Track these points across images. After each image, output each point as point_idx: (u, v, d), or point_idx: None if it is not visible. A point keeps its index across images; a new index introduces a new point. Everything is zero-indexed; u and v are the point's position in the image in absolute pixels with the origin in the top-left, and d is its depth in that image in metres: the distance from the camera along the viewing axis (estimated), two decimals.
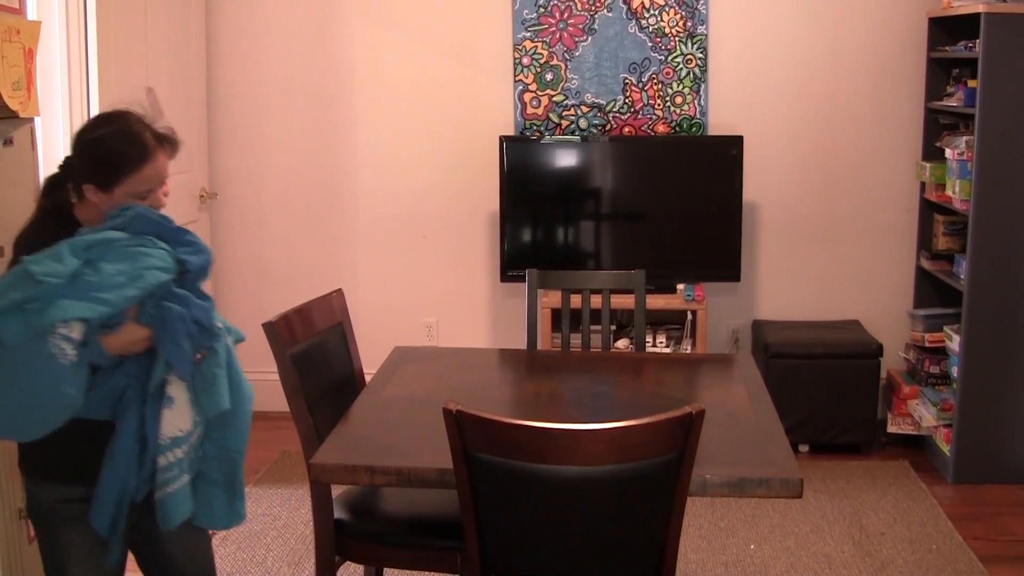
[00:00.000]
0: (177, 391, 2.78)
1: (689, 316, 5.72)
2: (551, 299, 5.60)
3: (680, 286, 5.76)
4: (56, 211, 2.84)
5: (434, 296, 6.28)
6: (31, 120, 3.78)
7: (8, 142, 3.63)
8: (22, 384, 2.59)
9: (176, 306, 2.77)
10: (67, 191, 2.84)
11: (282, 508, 5.05)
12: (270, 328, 3.39)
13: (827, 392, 5.59)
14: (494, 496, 2.67)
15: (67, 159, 2.87)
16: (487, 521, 2.71)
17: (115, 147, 2.78)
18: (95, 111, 4.95)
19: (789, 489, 2.79)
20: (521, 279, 4.53)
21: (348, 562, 3.46)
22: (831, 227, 6.07)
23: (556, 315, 5.58)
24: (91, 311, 2.61)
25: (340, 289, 3.90)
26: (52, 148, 4.88)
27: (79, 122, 4.93)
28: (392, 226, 6.26)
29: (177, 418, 2.78)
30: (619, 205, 5.94)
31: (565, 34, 5.98)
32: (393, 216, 6.24)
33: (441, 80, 6.12)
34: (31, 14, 4.11)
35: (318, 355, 3.60)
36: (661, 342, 5.75)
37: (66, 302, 2.58)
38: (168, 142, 2.94)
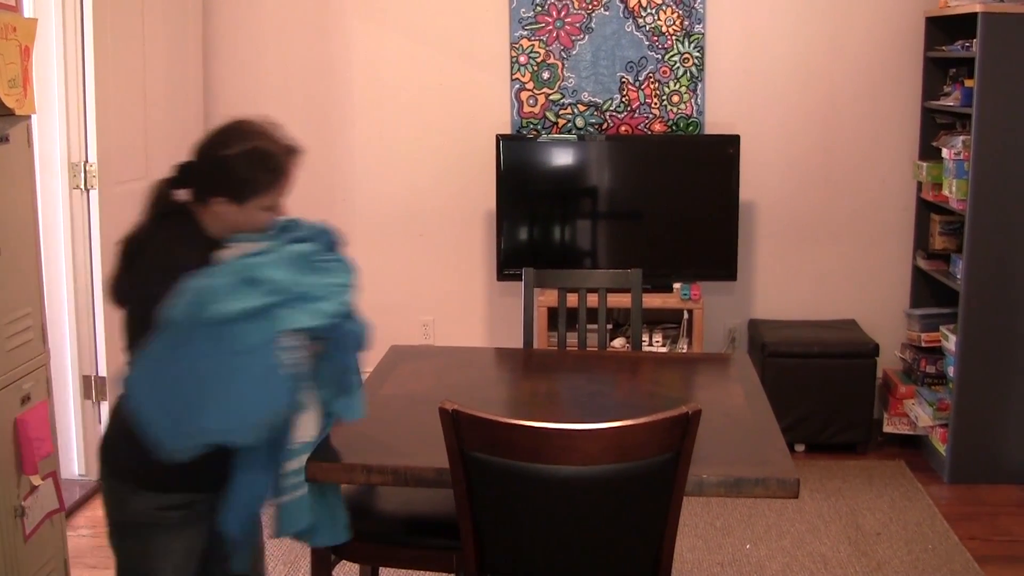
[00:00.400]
0: (311, 398, 2.84)
1: (685, 315, 5.72)
2: (547, 298, 5.60)
3: (676, 285, 5.76)
4: (175, 216, 2.88)
5: (430, 294, 6.28)
6: (27, 118, 3.77)
7: (4, 140, 3.62)
8: (244, 391, 2.64)
9: (352, 322, 2.92)
10: (175, 195, 2.90)
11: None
12: None
13: (823, 392, 5.59)
14: (490, 495, 2.67)
15: (191, 167, 2.88)
16: (483, 520, 2.70)
17: (253, 166, 2.82)
18: (91, 108, 4.96)
19: (786, 489, 2.78)
20: (518, 278, 4.52)
21: (344, 561, 3.44)
22: (828, 226, 6.07)
23: (552, 314, 5.59)
24: (313, 322, 2.70)
25: None
26: (48, 145, 4.90)
27: (75, 120, 4.96)
28: (388, 224, 6.25)
29: (307, 425, 2.85)
30: (616, 204, 5.93)
31: (562, 33, 5.97)
32: (389, 214, 6.23)
33: (438, 79, 6.12)
34: (27, 11, 4.10)
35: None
36: (657, 341, 5.75)
37: (291, 312, 2.66)
38: (297, 154, 2.96)
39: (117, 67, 5.14)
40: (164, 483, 2.83)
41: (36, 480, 3.67)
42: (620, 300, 4.88)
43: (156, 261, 2.77)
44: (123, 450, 2.83)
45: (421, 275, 6.26)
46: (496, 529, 2.71)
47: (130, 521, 2.86)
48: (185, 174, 2.89)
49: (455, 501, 2.70)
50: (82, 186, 5.04)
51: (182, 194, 2.90)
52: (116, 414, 2.87)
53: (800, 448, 5.64)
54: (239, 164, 2.81)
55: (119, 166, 5.18)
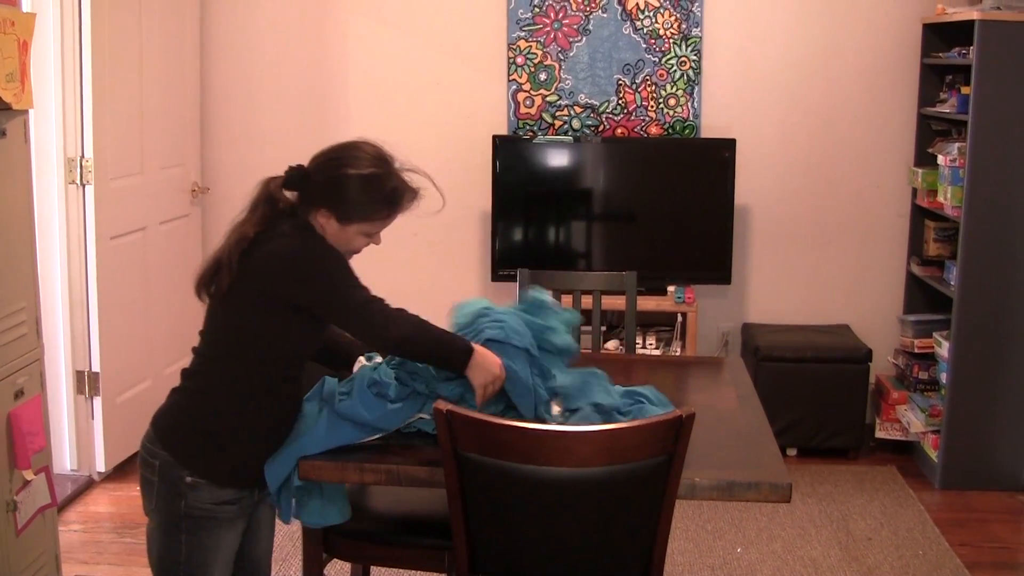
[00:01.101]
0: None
1: (679, 318, 5.72)
2: None
3: (671, 288, 5.77)
4: (289, 215, 3.00)
5: (424, 294, 6.18)
6: (24, 112, 3.76)
7: (1, 134, 3.62)
8: None
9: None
10: (281, 193, 3.00)
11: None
12: None
13: (816, 396, 5.60)
14: (483, 496, 2.68)
15: (306, 174, 2.99)
16: (475, 521, 2.71)
17: (370, 192, 2.99)
18: (88, 103, 4.95)
19: (778, 493, 2.79)
20: (512, 279, 4.53)
21: (335, 559, 3.45)
22: (823, 231, 6.08)
23: None
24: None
25: None
26: (44, 141, 4.89)
27: (72, 115, 4.95)
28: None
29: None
30: (611, 206, 5.94)
31: (559, 34, 5.98)
32: None
33: (435, 78, 6.12)
34: (25, 6, 4.09)
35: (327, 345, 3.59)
36: (651, 344, 5.75)
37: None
38: (415, 196, 3.22)
39: (114, 62, 5.13)
40: (225, 478, 2.88)
41: (29, 475, 3.66)
42: (614, 302, 4.88)
43: (291, 243, 2.92)
44: (195, 443, 2.88)
45: (414, 275, 6.25)
46: (488, 529, 2.72)
47: (186, 514, 2.87)
48: (298, 179, 3.00)
49: (448, 501, 2.71)
50: (78, 181, 5.01)
51: (289, 196, 3.02)
52: (192, 406, 2.92)
53: (792, 452, 5.65)
54: (357, 186, 2.97)
55: (115, 161, 5.17)
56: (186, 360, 3.02)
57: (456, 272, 6.25)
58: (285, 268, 2.87)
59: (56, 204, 5.02)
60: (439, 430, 2.63)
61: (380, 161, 3.05)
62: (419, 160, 6.24)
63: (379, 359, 3.23)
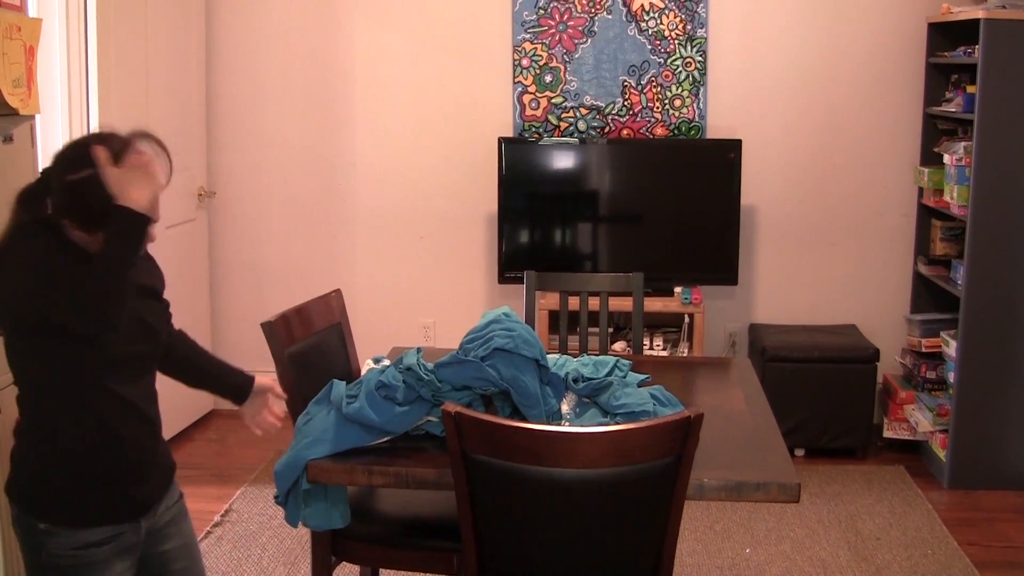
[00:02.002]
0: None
1: (687, 319, 5.72)
2: (548, 301, 5.61)
3: (677, 289, 5.77)
4: (46, 227, 2.61)
5: (431, 297, 6.29)
6: (31, 117, 3.78)
7: (8, 139, 3.62)
8: None
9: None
10: (46, 206, 2.67)
11: (278, 508, 4.98)
12: (269, 328, 3.41)
13: (823, 397, 5.60)
14: (492, 498, 2.67)
15: (49, 177, 2.65)
16: (484, 523, 2.71)
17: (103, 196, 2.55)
18: (95, 109, 4.96)
19: (786, 493, 2.80)
20: (519, 281, 4.53)
21: (344, 562, 3.45)
22: (829, 231, 6.07)
23: (554, 317, 5.60)
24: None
25: (339, 289, 3.91)
26: (51, 145, 4.88)
27: (79, 120, 4.94)
28: (390, 226, 6.26)
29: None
30: (617, 207, 5.94)
31: (565, 36, 5.98)
32: (391, 216, 6.25)
33: (440, 80, 6.13)
34: (32, 11, 4.10)
35: (316, 355, 3.60)
36: (658, 345, 5.75)
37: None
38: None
39: (120, 67, 5.14)
40: (75, 518, 2.61)
41: None
42: (621, 303, 4.88)
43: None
44: (32, 487, 2.64)
45: (422, 277, 6.27)
46: (497, 531, 2.71)
47: (50, 564, 2.61)
48: (43, 184, 2.72)
49: (456, 503, 2.70)
50: None
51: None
52: (19, 449, 2.67)
53: (800, 453, 5.64)
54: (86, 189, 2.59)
55: None
56: None
57: (462, 274, 6.26)
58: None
59: None
60: (448, 432, 2.62)
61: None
62: (426, 162, 6.31)
63: (387, 361, 3.23)
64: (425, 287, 6.27)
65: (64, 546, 2.59)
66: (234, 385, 3.04)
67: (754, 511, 4.98)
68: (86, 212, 2.55)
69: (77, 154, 2.60)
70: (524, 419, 2.97)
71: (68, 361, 2.56)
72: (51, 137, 4.88)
